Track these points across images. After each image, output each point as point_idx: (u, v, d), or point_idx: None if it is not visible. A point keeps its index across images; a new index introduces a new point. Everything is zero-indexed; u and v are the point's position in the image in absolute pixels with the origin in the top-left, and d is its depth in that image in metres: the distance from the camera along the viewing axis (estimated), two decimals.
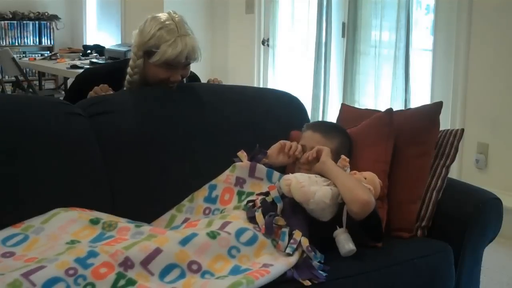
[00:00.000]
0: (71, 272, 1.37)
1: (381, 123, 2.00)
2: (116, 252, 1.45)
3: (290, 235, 1.62)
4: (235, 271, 1.52)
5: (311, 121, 2.59)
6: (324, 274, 1.57)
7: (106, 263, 1.42)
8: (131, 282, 1.41)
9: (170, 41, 1.96)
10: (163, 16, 2.02)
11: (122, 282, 1.40)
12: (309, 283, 1.54)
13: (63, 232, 1.61)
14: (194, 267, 1.50)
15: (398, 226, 1.91)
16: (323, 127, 2.04)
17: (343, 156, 1.87)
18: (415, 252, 1.83)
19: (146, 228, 1.65)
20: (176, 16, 2.04)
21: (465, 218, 1.90)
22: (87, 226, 1.64)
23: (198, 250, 1.52)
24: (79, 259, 1.40)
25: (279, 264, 1.54)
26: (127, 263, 1.44)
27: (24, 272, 1.33)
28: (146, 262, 1.46)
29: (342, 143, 1.96)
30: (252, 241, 1.60)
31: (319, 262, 1.61)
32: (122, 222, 1.68)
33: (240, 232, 1.61)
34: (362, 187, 1.71)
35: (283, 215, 1.69)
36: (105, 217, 1.70)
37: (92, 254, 1.43)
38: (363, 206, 1.64)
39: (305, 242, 1.61)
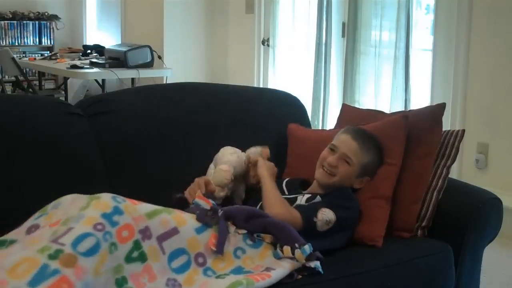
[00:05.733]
0: (99, 227, 1.36)
1: (396, 127, 1.98)
2: (140, 217, 1.46)
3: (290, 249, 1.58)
4: (237, 271, 1.53)
5: (311, 121, 2.59)
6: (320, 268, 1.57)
7: (128, 225, 1.43)
8: (142, 257, 1.43)
9: None
10: None
11: (135, 254, 1.42)
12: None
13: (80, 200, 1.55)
14: (200, 260, 1.52)
15: (399, 226, 1.91)
16: (364, 137, 1.92)
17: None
18: (415, 252, 1.83)
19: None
20: None
21: (465, 218, 1.90)
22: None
23: (208, 243, 1.53)
24: (105, 215, 1.40)
25: (281, 268, 1.54)
26: (146, 233, 1.45)
27: (52, 240, 1.31)
28: (162, 239, 1.48)
29: (374, 161, 1.91)
30: (257, 244, 1.61)
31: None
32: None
33: (246, 236, 1.61)
34: (281, 205, 1.75)
35: (270, 229, 1.64)
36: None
37: (117, 211, 1.43)
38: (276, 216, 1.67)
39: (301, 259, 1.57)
